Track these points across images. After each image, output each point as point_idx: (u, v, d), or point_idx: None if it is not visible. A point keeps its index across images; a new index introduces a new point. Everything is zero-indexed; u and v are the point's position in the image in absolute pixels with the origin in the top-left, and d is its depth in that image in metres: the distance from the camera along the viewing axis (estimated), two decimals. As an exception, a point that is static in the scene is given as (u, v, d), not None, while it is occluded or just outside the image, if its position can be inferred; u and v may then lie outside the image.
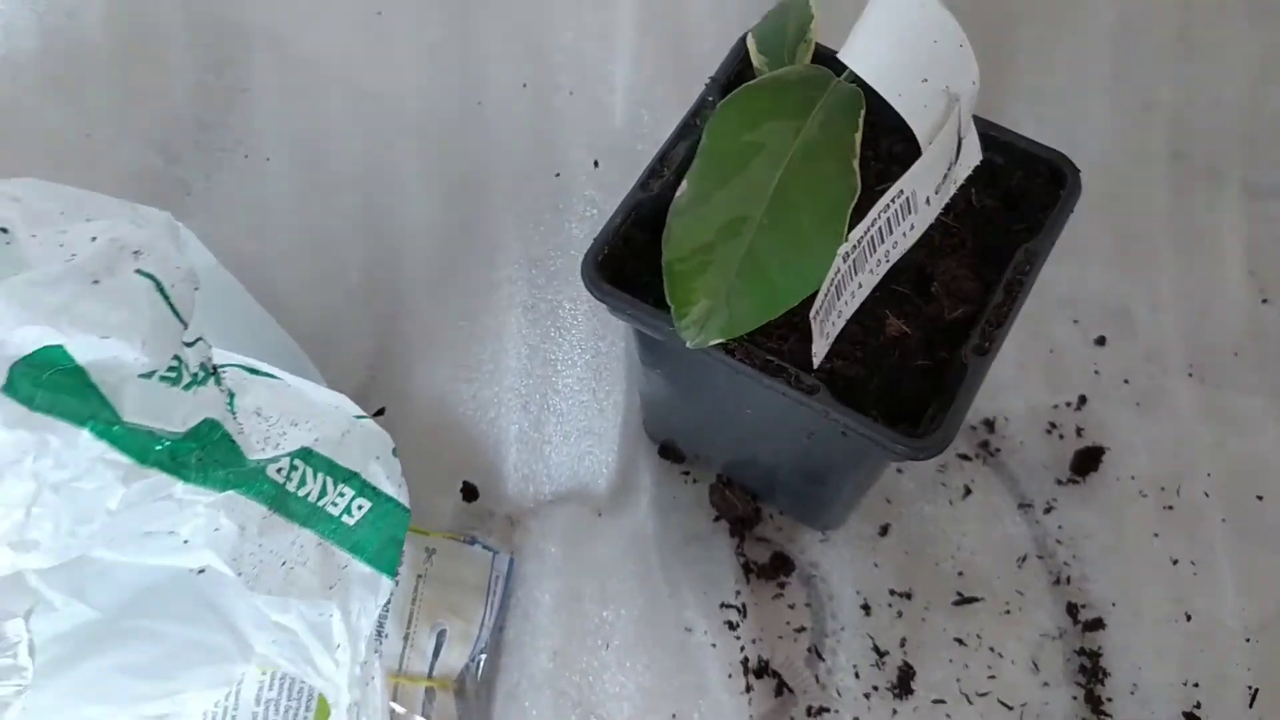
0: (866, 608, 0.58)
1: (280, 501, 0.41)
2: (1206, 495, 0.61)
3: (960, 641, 0.58)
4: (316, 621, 0.47)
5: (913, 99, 0.40)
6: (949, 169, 0.44)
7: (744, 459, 0.59)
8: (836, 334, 0.44)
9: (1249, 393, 0.64)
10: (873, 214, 0.41)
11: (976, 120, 0.46)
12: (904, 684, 0.57)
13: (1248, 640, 0.57)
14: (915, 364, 0.47)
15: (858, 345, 0.47)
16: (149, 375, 0.38)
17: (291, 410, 0.44)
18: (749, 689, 0.56)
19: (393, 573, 0.48)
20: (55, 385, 0.35)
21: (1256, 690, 0.56)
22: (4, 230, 0.48)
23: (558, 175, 0.65)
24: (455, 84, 0.67)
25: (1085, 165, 0.49)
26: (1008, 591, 0.59)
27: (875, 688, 0.57)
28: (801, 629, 0.58)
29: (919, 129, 0.41)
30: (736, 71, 0.52)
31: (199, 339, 0.41)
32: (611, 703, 0.55)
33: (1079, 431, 0.63)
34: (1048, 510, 0.61)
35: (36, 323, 0.35)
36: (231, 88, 0.65)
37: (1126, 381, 0.64)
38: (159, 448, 0.37)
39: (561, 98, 0.67)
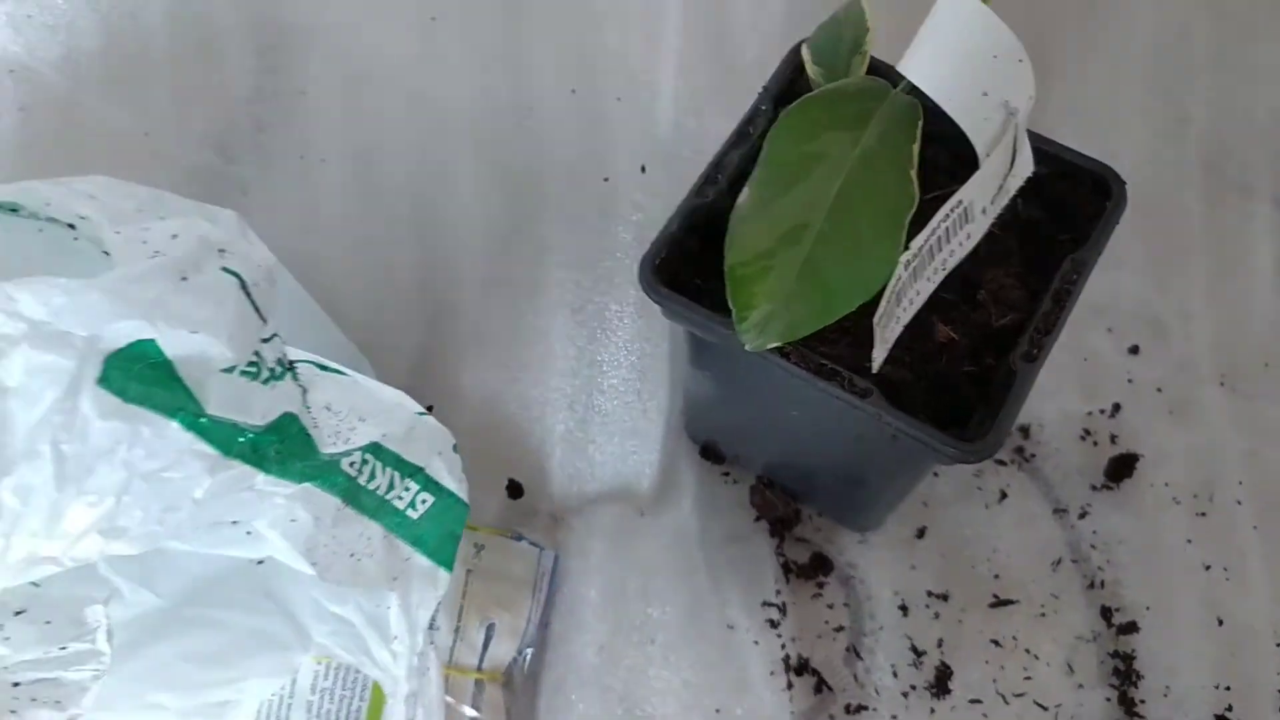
0: (904, 608, 0.59)
1: (352, 494, 0.42)
2: (1239, 503, 0.62)
3: (996, 643, 0.59)
4: (373, 613, 0.48)
5: (973, 112, 0.41)
6: (1003, 180, 0.45)
7: (785, 461, 0.60)
8: (894, 339, 0.45)
9: (1279, 403, 0.65)
10: (933, 223, 0.42)
11: (1022, 133, 0.47)
12: (941, 684, 0.58)
13: (1278, 645, 0.58)
14: (962, 370, 0.49)
15: (906, 350, 0.49)
16: (230, 370, 0.39)
17: (359, 406, 0.45)
18: (790, 686, 0.57)
19: (450, 566, 0.49)
20: (146, 378, 0.36)
21: (1287, 694, 0.57)
22: (71, 225, 0.50)
23: (606, 180, 0.67)
24: (506, 89, 0.68)
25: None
26: (1043, 594, 0.60)
27: (913, 687, 0.58)
28: (840, 628, 0.59)
29: (978, 141, 0.42)
30: (789, 81, 0.53)
31: (274, 335, 0.42)
32: (656, 698, 0.56)
33: (1113, 438, 0.64)
34: (1082, 515, 0.62)
35: (131, 317, 0.36)
36: (289, 90, 0.66)
37: (1160, 390, 0.65)
38: (242, 440, 0.38)
39: (609, 104, 0.68)
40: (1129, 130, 0.70)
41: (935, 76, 0.41)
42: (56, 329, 0.35)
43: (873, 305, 0.42)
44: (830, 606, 0.60)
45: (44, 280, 0.35)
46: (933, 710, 0.57)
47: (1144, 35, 0.72)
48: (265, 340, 0.41)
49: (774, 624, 0.58)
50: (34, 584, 0.41)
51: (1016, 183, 0.46)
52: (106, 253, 0.50)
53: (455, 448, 0.48)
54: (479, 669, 0.55)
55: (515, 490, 0.62)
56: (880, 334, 0.42)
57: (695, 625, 0.57)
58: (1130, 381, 0.65)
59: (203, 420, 0.37)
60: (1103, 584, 0.60)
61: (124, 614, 0.46)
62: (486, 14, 0.69)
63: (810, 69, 0.49)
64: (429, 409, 0.62)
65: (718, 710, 0.56)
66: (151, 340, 0.36)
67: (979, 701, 0.57)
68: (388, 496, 0.44)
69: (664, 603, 0.58)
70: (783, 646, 0.58)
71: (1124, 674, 0.58)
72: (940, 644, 0.59)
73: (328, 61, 0.67)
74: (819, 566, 0.60)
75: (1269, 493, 0.62)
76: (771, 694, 0.56)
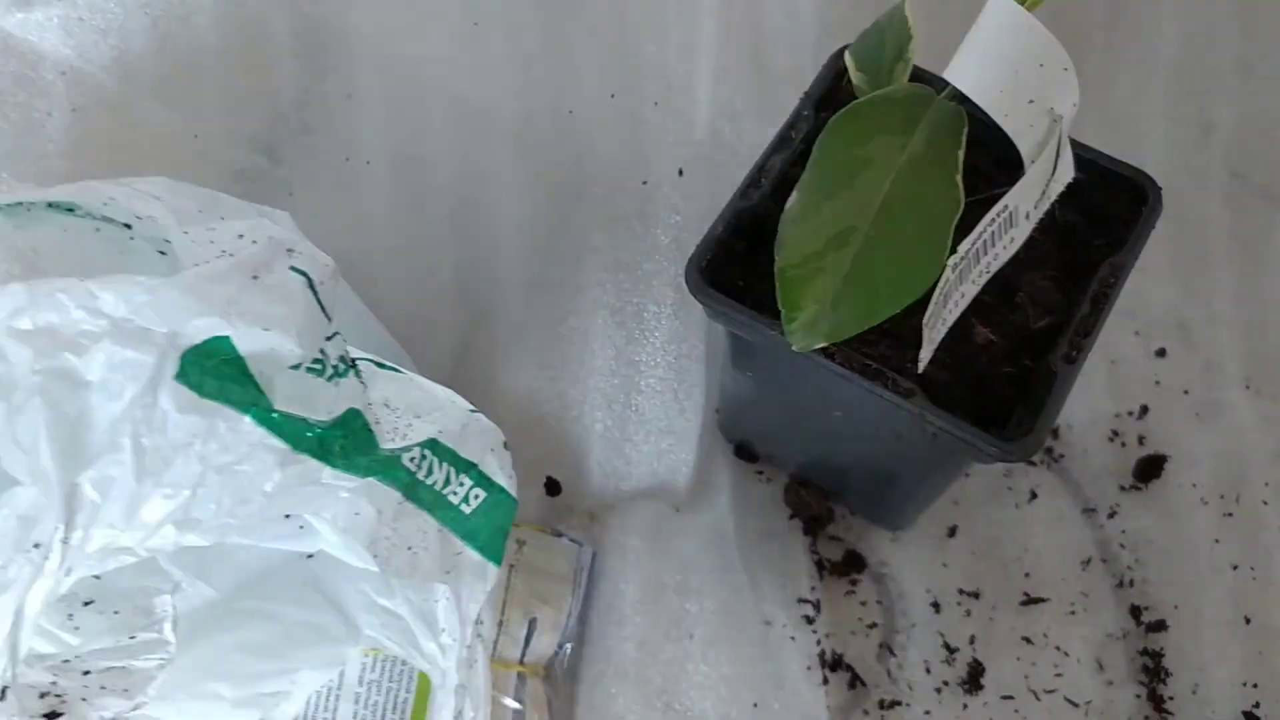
0: (936, 605, 0.60)
1: (412, 489, 0.43)
2: (1265, 503, 0.63)
3: (1028, 640, 0.60)
4: (421, 606, 0.49)
5: (1019, 119, 0.42)
6: (1046, 186, 0.46)
7: (820, 460, 0.61)
8: (940, 341, 0.46)
9: (1304, 406, 0.66)
10: (980, 227, 0.43)
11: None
12: (974, 680, 0.59)
13: (1306, 643, 0.60)
14: (1000, 371, 0.50)
15: (946, 351, 0.49)
16: (296, 366, 0.40)
17: (415, 403, 0.46)
18: (825, 681, 0.58)
19: (499, 561, 0.50)
20: (221, 373, 0.38)
21: (1314, 692, 0.58)
22: (128, 225, 0.51)
23: (644, 183, 0.68)
24: (548, 93, 0.69)
25: (1147, 184, 0.52)
26: (1073, 593, 0.61)
27: (945, 683, 0.59)
28: (873, 625, 0.60)
29: (1024, 148, 0.43)
30: (829, 87, 0.55)
31: (336, 333, 0.43)
32: (695, 692, 0.57)
33: (1141, 440, 0.65)
34: (1111, 515, 0.63)
35: (209, 314, 0.37)
36: (335, 93, 0.68)
37: (1186, 392, 0.66)
38: (310, 435, 0.39)
39: (648, 108, 0.69)
40: (1155, 137, 0.71)
41: (982, 83, 0.42)
42: (138, 325, 0.36)
43: (912, 307, 0.43)
44: (863, 603, 0.61)
45: (126, 278, 0.36)
46: (965, 706, 0.58)
47: (1170, 43, 0.73)
48: (328, 338, 0.42)
49: (809, 620, 0.59)
50: (95, 576, 0.43)
51: (1058, 188, 0.47)
52: (162, 253, 0.52)
53: (506, 445, 0.49)
54: (521, 663, 0.56)
55: (553, 488, 0.63)
56: (928, 335, 0.43)
57: (733, 621, 0.58)
58: (1157, 384, 0.66)
59: (274, 415, 0.38)
60: (1132, 583, 0.61)
61: (182, 606, 0.47)
62: (527, 20, 0.70)
63: (854, 75, 0.50)
64: (470, 407, 0.63)
65: (755, 705, 0.57)
66: (226, 337, 0.37)
67: (1011, 698, 0.58)
68: (444, 491, 0.45)
69: (701, 598, 0.59)
70: (818, 642, 0.59)
71: (1153, 671, 0.59)
72: (972, 641, 0.60)
73: (373, 65, 0.68)
74: (852, 564, 0.61)
75: (1295, 494, 0.63)
76: (809, 689, 0.57)
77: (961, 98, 0.43)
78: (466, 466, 0.47)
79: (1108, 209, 0.53)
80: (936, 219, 0.43)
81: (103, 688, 0.41)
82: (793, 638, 0.58)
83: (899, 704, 0.58)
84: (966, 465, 0.54)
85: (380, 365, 0.46)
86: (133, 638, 0.41)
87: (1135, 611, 0.60)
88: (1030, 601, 0.61)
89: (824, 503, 0.62)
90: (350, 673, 0.54)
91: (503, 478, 0.49)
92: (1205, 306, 0.68)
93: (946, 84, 0.44)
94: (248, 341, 0.38)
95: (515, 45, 0.69)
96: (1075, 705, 0.58)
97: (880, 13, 0.51)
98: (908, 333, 0.49)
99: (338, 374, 0.42)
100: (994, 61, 0.42)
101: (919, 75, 0.50)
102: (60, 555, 0.36)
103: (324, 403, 0.41)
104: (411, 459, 0.44)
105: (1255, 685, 0.59)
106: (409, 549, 0.45)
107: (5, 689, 0.37)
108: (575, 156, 0.68)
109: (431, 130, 0.68)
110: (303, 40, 0.68)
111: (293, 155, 0.67)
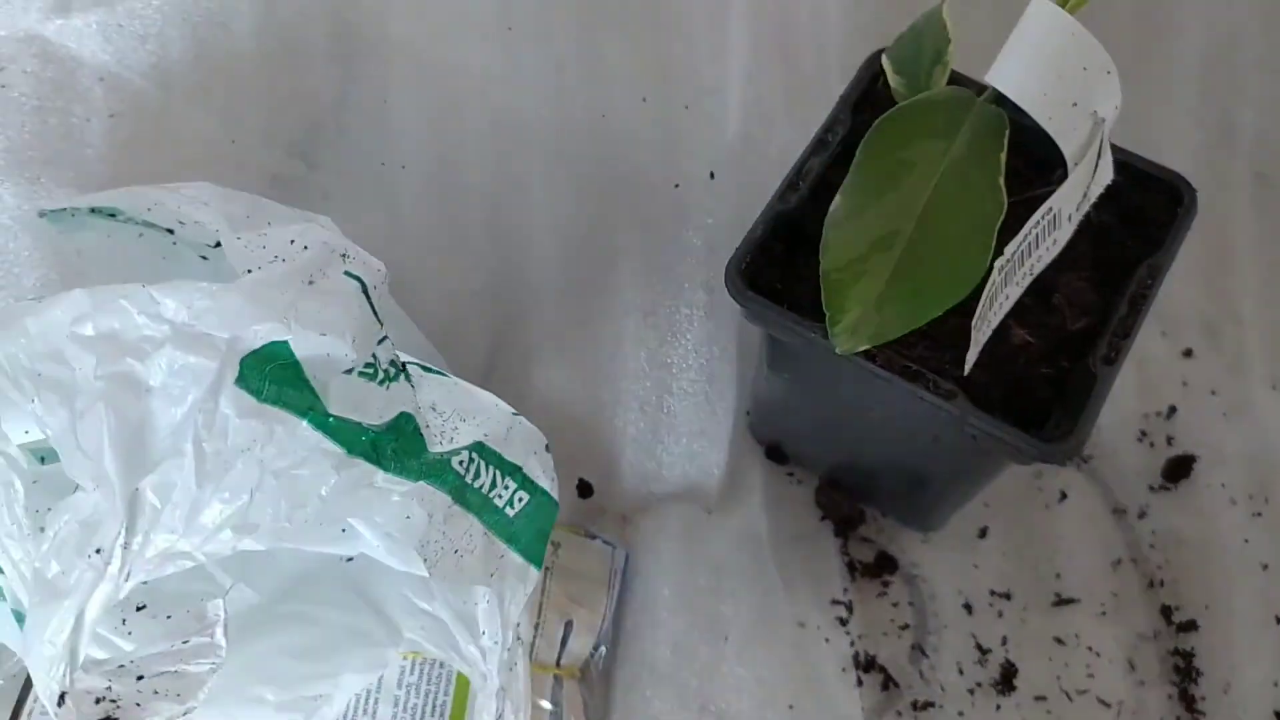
0: (968, 607, 0.61)
1: (460, 493, 0.44)
2: (1294, 504, 0.63)
3: (1059, 641, 0.60)
4: (461, 609, 0.49)
5: (1063, 122, 0.43)
6: (1087, 188, 0.46)
7: (852, 462, 0.62)
8: (983, 343, 0.46)
9: (1330, 406, 0.66)
10: (1026, 229, 0.43)
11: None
12: (1006, 681, 0.59)
13: (1337, 643, 0.60)
14: (1038, 372, 0.50)
15: (983, 352, 0.49)
16: (350, 371, 0.40)
17: (461, 407, 0.46)
18: (860, 683, 0.58)
19: (540, 564, 0.50)
20: (279, 378, 0.38)
21: (1345, 691, 0.59)
22: (170, 230, 0.51)
23: (676, 186, 0.68)
24: (580, 97, 0.69)
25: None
26: (1104, 594, 0.61)
27: (978, 684, 0.59)
28: (905, 626, 0.60)
29: (1067, 150, 0.43)
30: (865, 90, 0.55)
31: (385, 337, 0.43)
32: (730, 693, 0.57)
33: (1169, 440, 0.65)
34: (1141, 516, 0.63)
35: (269, 319, 0.37)
36: (371, 99, 0.68)
37: (1214, 392, 0.66)
38: (364, 439, 0.40)
39: (679, 112, 0.70)
40: (1180, 138, 0.72)
41: (1026, 87, 0.42)
42: (199, 331, 0.36)
43: (952, 309, 0.43)
44: (895, 605, 0.61)
45: (187, 284, 0.36)
46: (998, 707, 0.58)
47: (1194, 44, 0.73)
48: (379, 342, 0.42)
49: (843, 622, 0.60)
50: (142, 581, 0.43)
51: (1098, 190, 0.48)
52: (204, 258, 0.52)
53: (548, 448, 0.50)
54: (558, 665, 0.56)
55: (585, 490, 0.63)
56: (975, 336, 0.44)
57: (767, 622, 0.59)
58: (1185, 384, 0.66)
59: (329, 419, 0.39)
60: (1162, 583, 0.61)
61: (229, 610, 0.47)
62: (560, 24, 0.70)
63: (891, 79, 0.51)
64: (503, 410, 0.64)
65: (791, 706, 0.57)
66: (284, 342, 0.38)
67: (1043, 699, 0.58)
68: (490, 495, 0.46)
69: (735, 600, 0.59)
70: (851, 644, 0.59)
71: (1184, 671, 0.59)
72: (1004, 642, 0.60)
73: (409, 71, 0.69)
74: (884, 566, 0.62)
75: (1323, 494, 0.64)
76: (843, 690, 0.57)
77: (1001, 100, 0.43)
78: (511, 470, 0.47)
79: (1143, 211, 0.53)
80: (980, 221, 0.44)
81: (156, 692, 0.41)
82: (827, 639, 0.59)
83: (932, 705, 0.58)
84: (1003, 467, 0.55)
85: (425, 369, 0.46)
86: (185, 642, 0.41)
87: (1166, 612, 0.61)
88: (1061, 602, 0.61)
89: (855, 504, 0.63)
90: (389, 676, 0.54)
91: (545, 481, 0.49)
92: (1231, 307, 0.69)
93: (984, 87, 0.45)
94: (305, 346, 0.38)
95: (548, 50, 0.70)
96: (1107, 705, 0.58)
97: (906, 15, 0.51)
98: (944, 335, 0.49)
99: (389, 378, 0.42)
100: (1037, 65, 0.42)
101: (955, 78, 0.50)
102: (121, 561, 0.36)
103: (377, 407, 0.41)
104: (460, 462, 0.44)
105: (1287, 684, 0.59)
106: (456, 552, 0.45)
107: (64, 694, 0.38)
108: (608, 160, 0.68)
109: (466, 134, 0.68)
110: (339, 46, 0.68)
111: (329, 160, 0.67)
